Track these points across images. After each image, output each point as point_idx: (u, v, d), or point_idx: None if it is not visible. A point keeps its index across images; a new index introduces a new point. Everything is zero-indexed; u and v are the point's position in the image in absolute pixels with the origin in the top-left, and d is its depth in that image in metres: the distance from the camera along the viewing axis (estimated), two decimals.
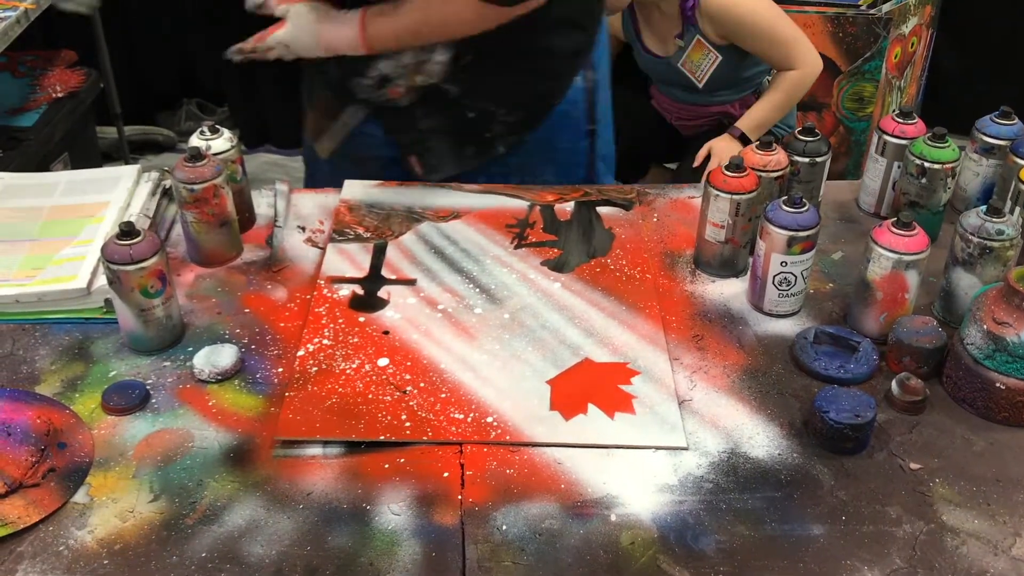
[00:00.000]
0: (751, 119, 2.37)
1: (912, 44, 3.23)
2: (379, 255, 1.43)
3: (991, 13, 3.41)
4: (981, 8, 3.43)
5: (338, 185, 1.58)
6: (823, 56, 3.07)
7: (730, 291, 1.37)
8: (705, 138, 2.43)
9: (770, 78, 2.44)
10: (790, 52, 2.33)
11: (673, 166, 2.71)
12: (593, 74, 1.62)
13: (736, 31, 2.31)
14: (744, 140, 2.33)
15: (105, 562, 0.98)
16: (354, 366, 1.21)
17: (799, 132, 1.45)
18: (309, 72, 1.66)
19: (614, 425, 1.14)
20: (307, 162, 1.82)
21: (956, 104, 3.06)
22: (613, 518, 1.03)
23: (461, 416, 1.14)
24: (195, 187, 1.34)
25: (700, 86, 2.42)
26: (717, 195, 1.34)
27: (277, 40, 1.49)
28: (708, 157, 2.37)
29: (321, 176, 1.71)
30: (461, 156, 1.60)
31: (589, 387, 1.19)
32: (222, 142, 1.42)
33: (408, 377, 1.20)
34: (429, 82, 1.50)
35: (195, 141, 1.41)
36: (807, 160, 1.43)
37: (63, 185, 1.53)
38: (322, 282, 1.36)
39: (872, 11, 3.00)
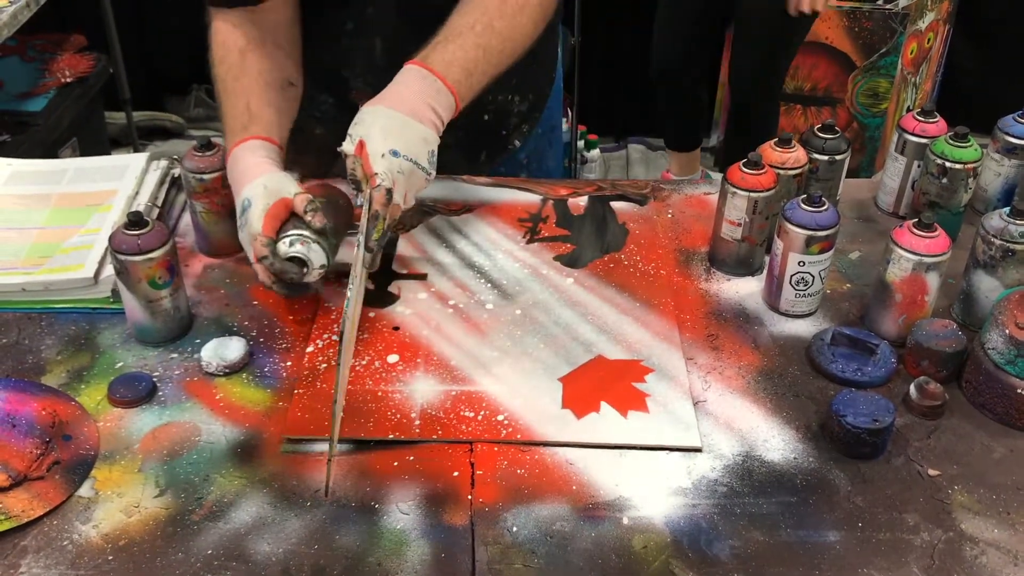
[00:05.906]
0: None
1: (928, 40, 3.20)
2: (390, 249, 1.41)
3: (1009, 10, 3.37)
4: (999, 5, 3.39)
5: None
6: (838, 51, 3.05)
7: (745, 290, 1.35)
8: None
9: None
10: None
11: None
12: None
13: None
14: None
15: (110, 558, 0.96)
16: (364, 362, 1.20)
17: (818, 129, 1.43)
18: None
19: (627, 424, 1.12)
20: None
21: (971, 101, 3.03)
22: (625, 521, 1.01)
23: (471, 414, 1.13)
24: (205, 177, 1.32)
25: None
26: (734, 192, 1.32)
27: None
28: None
29: None
30: (475, 163, 1.58)
31: (602, 384, 1.17)
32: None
33: (418, 374, 1.18)
34: None
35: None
36: (826, 158, 1.41)
37: (71, 172, 1.51)
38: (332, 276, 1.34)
39: (889, 6, 2.97)
